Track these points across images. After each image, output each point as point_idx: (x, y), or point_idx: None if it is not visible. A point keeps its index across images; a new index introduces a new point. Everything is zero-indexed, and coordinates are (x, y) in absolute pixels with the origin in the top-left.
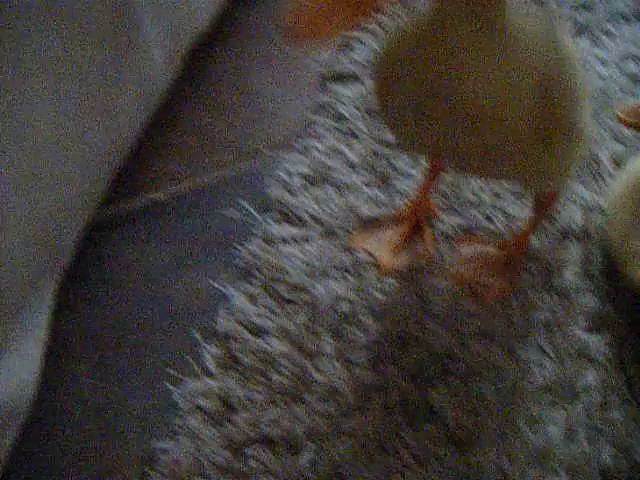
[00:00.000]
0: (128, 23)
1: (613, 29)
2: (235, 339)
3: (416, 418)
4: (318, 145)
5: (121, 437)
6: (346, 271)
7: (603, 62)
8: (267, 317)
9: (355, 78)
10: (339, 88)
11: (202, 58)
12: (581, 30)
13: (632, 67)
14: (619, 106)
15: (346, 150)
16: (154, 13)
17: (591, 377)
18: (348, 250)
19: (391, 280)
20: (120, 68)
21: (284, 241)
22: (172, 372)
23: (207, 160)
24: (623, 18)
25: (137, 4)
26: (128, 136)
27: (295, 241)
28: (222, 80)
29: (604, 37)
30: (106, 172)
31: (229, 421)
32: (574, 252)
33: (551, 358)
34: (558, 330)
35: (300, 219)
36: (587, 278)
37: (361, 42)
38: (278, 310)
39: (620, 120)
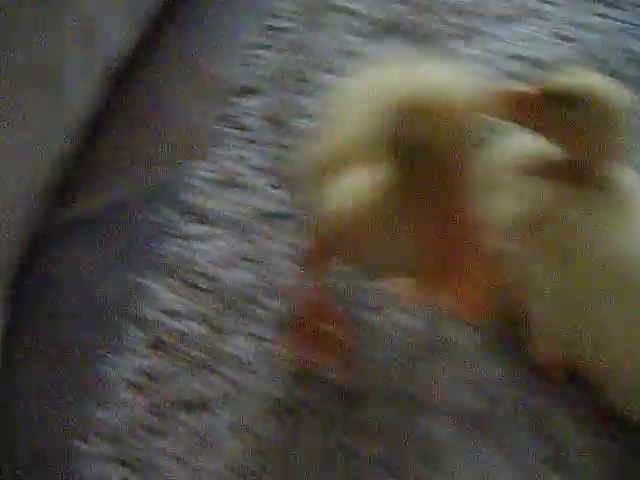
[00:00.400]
0: (51, 73)
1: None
2: (158, 323)
3: (313, 380)
4: (225, 153)
5: (65, 410)
6: (251, 261)
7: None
8: (185, 304)
9: (259, 91)
10: (244, 101)
11: (126, 80)
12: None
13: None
14: None
15: (251, 156)
16: (70, 55)
17: (463, 337)
18: (253, 243)
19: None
20: (47, 103)
21: (198, 239)
22: (105, 354)
23: (131, 172)
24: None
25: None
26: (59, 156)
27: (207, 238)
28: (143, 99)
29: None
30: (43, 185)
31: (155, 391)
32: None
33: (426, 320)
34: None
35: (211, 219)
36: None
37: (263, 58)
38: (194, 297)
39: None
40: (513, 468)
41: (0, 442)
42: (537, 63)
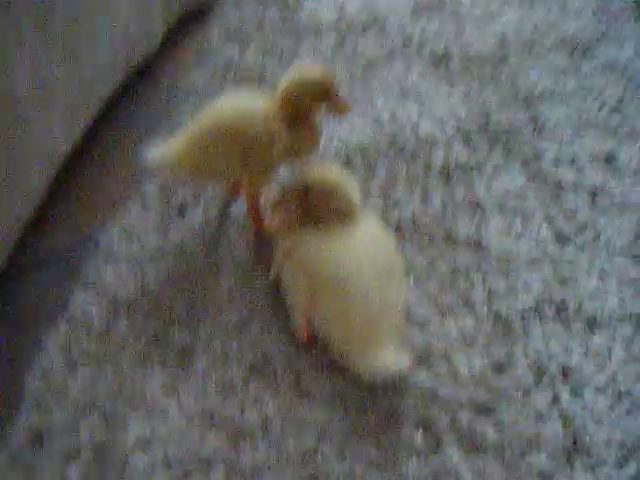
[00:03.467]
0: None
1: None
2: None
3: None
4: (133, 207)
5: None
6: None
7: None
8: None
9: None
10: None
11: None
12: None
13: None
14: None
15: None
16: (41, 110)
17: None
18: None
19: None
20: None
21: (126, 262)
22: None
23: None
24: None
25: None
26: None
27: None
28: (87, 177)
29: None
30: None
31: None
32: None
33: None
34: None
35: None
36: None
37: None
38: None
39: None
40: None
41: None
42: None
